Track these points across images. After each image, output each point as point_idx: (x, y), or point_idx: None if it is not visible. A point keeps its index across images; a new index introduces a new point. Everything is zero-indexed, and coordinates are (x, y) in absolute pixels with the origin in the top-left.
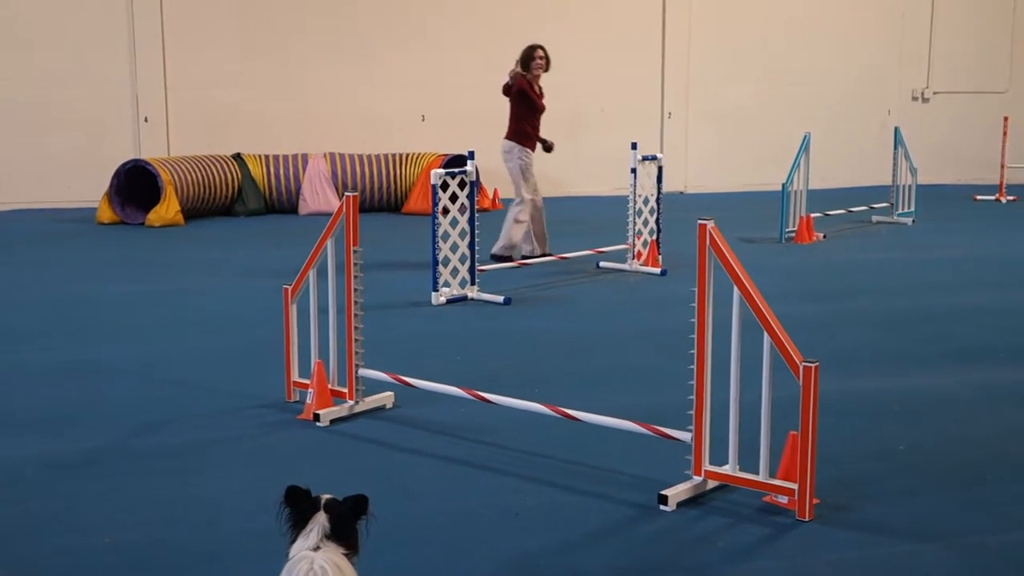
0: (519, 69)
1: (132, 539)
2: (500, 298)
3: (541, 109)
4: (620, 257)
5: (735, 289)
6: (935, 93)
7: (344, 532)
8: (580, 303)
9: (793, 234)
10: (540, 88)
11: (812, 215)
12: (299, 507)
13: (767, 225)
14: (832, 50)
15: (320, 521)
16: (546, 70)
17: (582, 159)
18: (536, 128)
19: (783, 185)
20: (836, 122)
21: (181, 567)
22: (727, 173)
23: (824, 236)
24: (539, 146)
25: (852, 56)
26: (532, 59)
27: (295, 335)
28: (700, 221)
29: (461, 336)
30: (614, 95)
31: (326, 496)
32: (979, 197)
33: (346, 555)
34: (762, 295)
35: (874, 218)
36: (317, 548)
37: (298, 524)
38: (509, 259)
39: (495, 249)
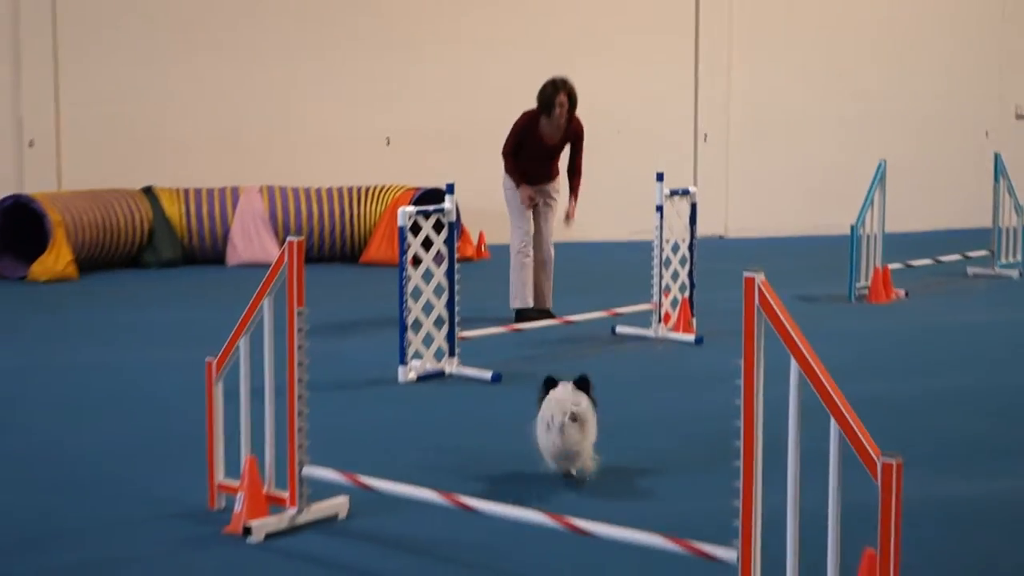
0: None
1: None
2: (487, 374)
3: (545, 150)
4: (643, 320)
5: (792, 362)
6: None
7: (585, 388)
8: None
9: (866, 291)
10: (563, 123)
11: (890, 266)
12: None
13: (832, 279)
14: (913, 58)
15: (565, 382)
16: (572, 110)
17: (593, 194)
18: (537, 165)
19: (852, 227)
20: (919, 147)
21: None
22: (779, 212)
23: (906, 293)
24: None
25: (938, 65)
26: (552, 107)
27: (220, 423)
28: (746, 274)
29: (437, 424)
30: (633, 112)
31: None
32: None
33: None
34: (827, 370)
35: (970, 270)
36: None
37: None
38: (548, 314)
39: (515, 303)
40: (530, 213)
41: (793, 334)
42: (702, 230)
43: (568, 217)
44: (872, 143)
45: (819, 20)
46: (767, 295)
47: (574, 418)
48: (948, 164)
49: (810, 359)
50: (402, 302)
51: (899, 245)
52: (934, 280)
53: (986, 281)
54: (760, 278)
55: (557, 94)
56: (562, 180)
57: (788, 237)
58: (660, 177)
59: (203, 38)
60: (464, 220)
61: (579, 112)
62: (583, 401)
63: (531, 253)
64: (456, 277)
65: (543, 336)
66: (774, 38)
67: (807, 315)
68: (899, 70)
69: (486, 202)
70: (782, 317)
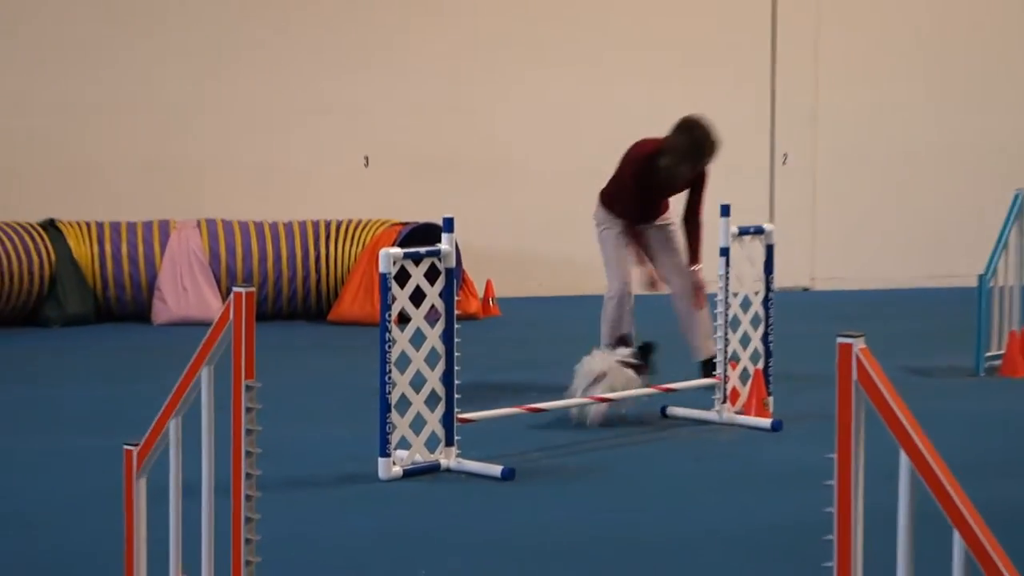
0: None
1: None
2: (496, 469)
3: (656, 192)
4: (702, 399)
5: (902, 456)
6: None
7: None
8: (632, 479)
9: (999, 361)
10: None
11: None
12: None
13: (953, 345)
14: None
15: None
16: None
17: None
18: (646, 204)
19: (980, 278)
20: None
21: None
22: (882, 257)
23: None
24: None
25: None
26: (696, 161)
27: (142, 531)
28: (840, 339)
29: (428, 536)
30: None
31: None
32: None
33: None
34: (949, 467)
35: None
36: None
37: None
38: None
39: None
40: (630, 256)
41: (903, 419)
42: (781, 280)
43: (696, 292)
44: (1002, 170)
45: (932, 15)
46: (868, 368)
47: (596, 380)
48: None
49: (926, 453)
50: (384, 373)
51: None
52: None
53: None
54: (859, 345)
55: (710, 154)
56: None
57: (895, 290)
58: (726, 211)
59: (122, 32)
60: (466, 266)
61: (621, 129)
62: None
63: (630, 304)
64: (456, 341)
65: (569, 420)
66: (871, 35)
67: (921, 393)
68: None
69: (495, 242)
70: (888, 397)
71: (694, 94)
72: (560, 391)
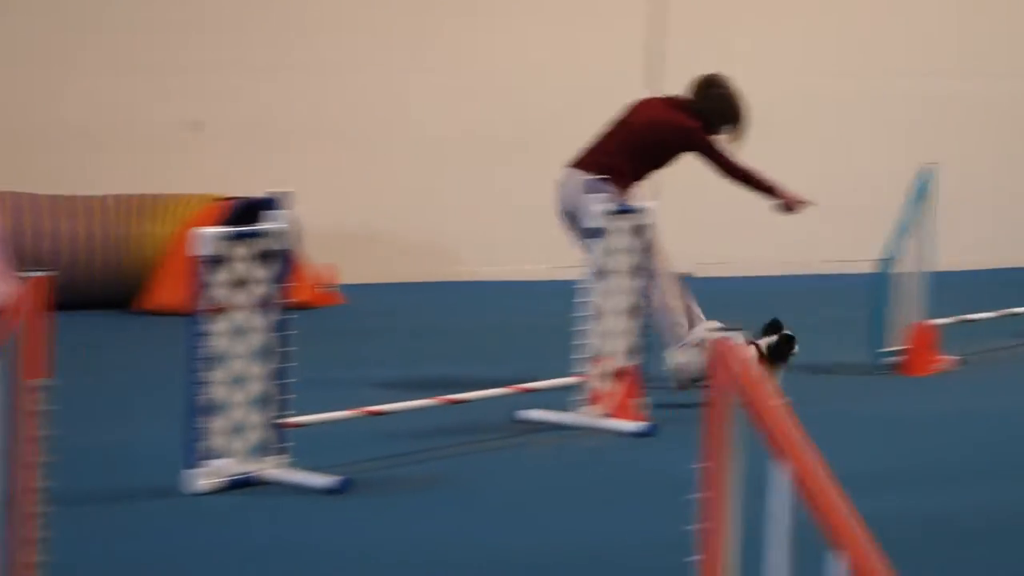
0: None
1: None
2: (330, 480)
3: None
4: (559, 400)
5: (780, 466)
6: None
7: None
8: (483, 491)
9: (901, 357)
10: None
11: (937, 322)
12: None
13: (852, 339)
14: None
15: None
16: None
17: (498, 212)
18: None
19: (880, 264)
20: (986, 149)
21: None
22: (776, 240)
23: (959, 362)
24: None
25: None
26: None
27: None
28: (709, 331)
29: (250, 558)
30: (562, 90)
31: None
32: None
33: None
34: (835, 477)
35: None
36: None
37: None
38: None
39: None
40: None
41: (781, 425)
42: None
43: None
44: (921, 144)
45: None
46: (743, 366)
47: (701, 344)
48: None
49: (808, 461)
50: (193, 371)
51: (953, 290)
52: (1002, 343)
53: None
54: (733, 339)
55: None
56: None
57: (788, 276)
58: (592, 187)
59: None
60: (309, 248)
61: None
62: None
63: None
64: (287, 334)
65: (414, 424)
66: (764, 21)
67: (810, 393)
68: (959, 42)
69: (343, 223)
70: (765, 398)
71: (569, 56)
72: (408, 390)
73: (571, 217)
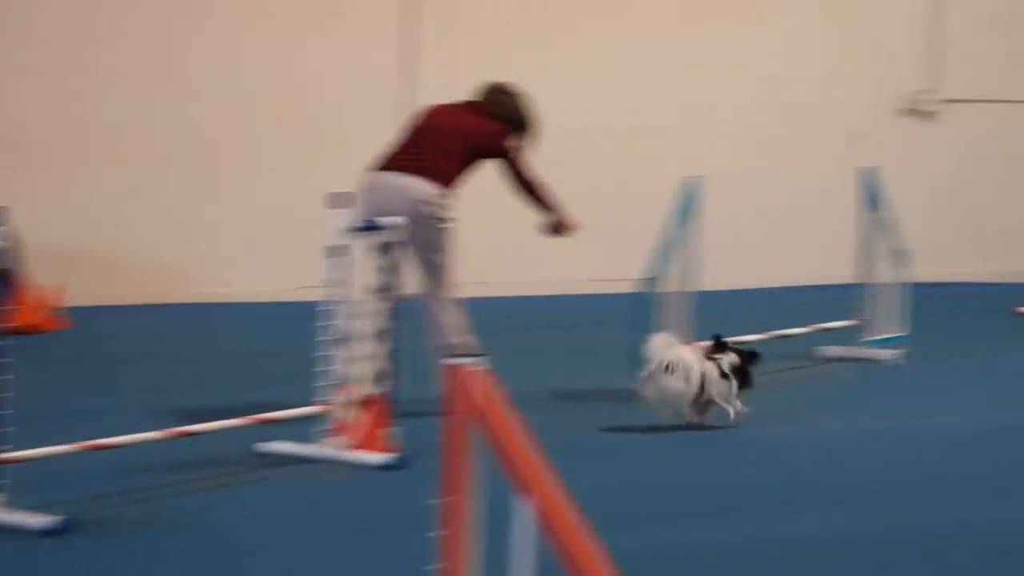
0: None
1: None
2: (47, 520)
3: None
4: (302, 431)
5: (523, 501)
6: (946, 102)
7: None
8: (218, 530)
9: None
10: None
11: (701, 343)
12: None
13: (613, 362)
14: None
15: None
16: None
17: (216, 234)
18: None
19: (646, 281)
20: (754, 162)
21: None
22: (533, 259)
23: None
24: None
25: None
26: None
27: None
28: (448, 360)
29: None
30: (311, 93)
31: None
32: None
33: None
34: (583, 514)
35: (826, 350)
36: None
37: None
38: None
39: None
40: None
41: (524, 456)
42: (411, 286)
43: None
44: (668, 158)
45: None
46: (486, 395)
47: (667, 368)
48: (799, 186)
49: (552, 495)
50: None
51: (719, 311)
52: (770, 366)
53: (849, 367)
54: (474, 365)
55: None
56: None
57: (550, 296)
58: (338, 200)
59: None
60: (31, 268)
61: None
62: (682, 352)
63: None
64: (4, 360)
65: (145, 459)
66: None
67: (565, 423)
68: (723, 48)
69: (70, 241)
70: (508, 428)
71: (314, 66)
72: (138, 422)
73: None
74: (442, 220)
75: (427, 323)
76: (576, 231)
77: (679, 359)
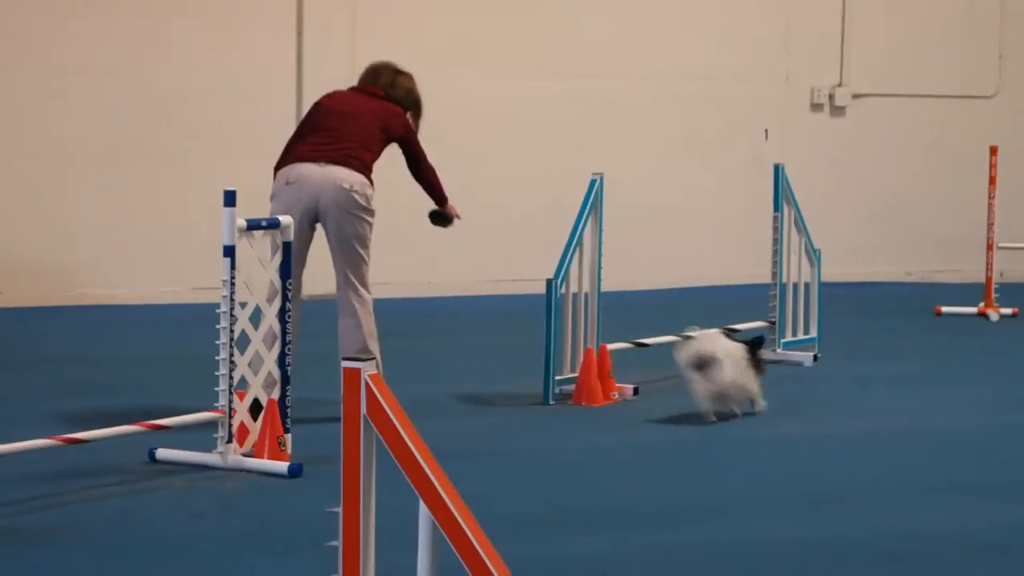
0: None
1: None
2: None
3: None
4: (197, 438)
5: (422, 509)
6: (854, 96)
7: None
8: (104, 542)
9: (572, 386)
10: None
11: (610, 346)
12: None
13: (521, 366)
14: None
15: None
16: None
17: (108, 233)
18: None
19: (549, 284)
20: (660, 157)
21: None
22: (434, 260)
23: (635, 391)
24: None
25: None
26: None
27: None
28: (346, 363)
29: None
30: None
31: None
32: (945, 309)
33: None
34: (483, 521)
35: None
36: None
37: None
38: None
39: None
40: None
41: (422, 462)
42: (309, 287)
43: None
44: (594, 153)
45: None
46: (381, 399)
47: (699, 365)
48: (708, 184)
49: (452, 507)
50: None
51: (630, 312)
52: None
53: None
54: (368, 371)
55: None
56: None
57: (453, 298)
58: (231, 199)
59: None
60: None
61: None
62: (727, 344)
63: None
64: None
65: (32, 468)
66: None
67: (473, 428)
68: (638, 36)
69: None
70: (406, 437)
71: (219, 52)
72: (23, 428)
73: (314, 215)
74: (370, 211)
75: (341, 323)
76: (457, 220)
77: (727, 352)
